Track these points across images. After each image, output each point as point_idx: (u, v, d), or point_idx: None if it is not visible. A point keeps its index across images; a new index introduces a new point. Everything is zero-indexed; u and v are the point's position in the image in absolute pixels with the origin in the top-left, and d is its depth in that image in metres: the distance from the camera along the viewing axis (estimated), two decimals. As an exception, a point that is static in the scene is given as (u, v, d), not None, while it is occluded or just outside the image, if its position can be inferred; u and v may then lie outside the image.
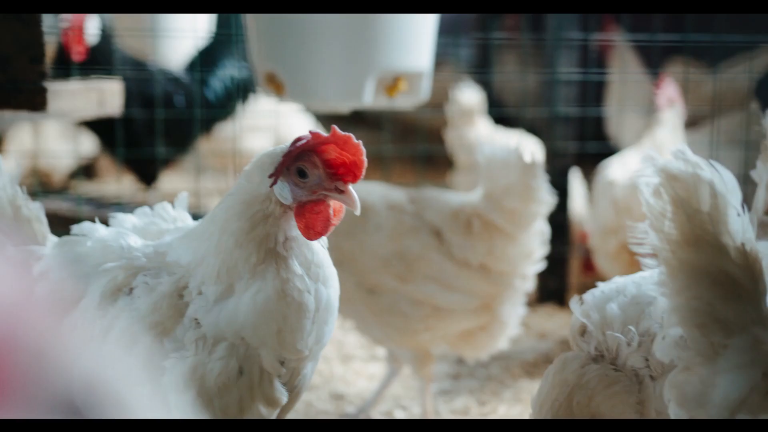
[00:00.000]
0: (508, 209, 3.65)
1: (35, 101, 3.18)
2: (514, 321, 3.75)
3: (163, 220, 2.60)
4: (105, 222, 2.61)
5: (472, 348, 3.77)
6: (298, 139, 2.21)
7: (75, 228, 2.56)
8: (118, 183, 6.36)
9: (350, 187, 2.19)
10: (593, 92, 6.08)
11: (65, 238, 2.54)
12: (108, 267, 2.40)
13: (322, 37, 3.70)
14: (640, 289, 2.23)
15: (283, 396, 2.30)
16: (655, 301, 2.17)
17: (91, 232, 2.54)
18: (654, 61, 5.97)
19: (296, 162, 2.20)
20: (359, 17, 3.68)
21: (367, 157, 2.19)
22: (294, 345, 2.25)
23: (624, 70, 6.69)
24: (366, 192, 3.78)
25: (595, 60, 5.58)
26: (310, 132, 2.21)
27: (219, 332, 2.24)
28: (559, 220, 5.26)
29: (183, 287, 2.31)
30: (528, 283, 3.77)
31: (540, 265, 3.77)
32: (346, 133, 2.18)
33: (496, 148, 3.80)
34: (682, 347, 1.95)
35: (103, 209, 5.13)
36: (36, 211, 2.62)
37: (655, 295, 2.16)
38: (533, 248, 3.72)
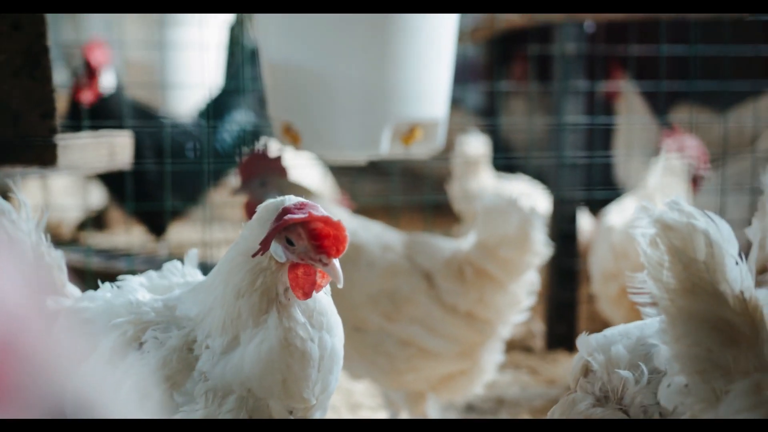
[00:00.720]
0: (503, 258, 3.67)
1: (45, 157, 3.21)
2: (491, 367, 3.78)
3: (173, 275, 2.63)
4: (114, 275, 2.64)
5: (450, 391, 3.80)
6: (285, 211, 2.24)
7: (80, 297, 2.60)
8: (127, 234, 6.39)
9: (334, 261, 2.20)
10: (600, 139, 6.11)
11: (71, 307, 2.58)
12: (117, 322, 2.42)
13: (338, 87, 3.74)
14: (643, 332, 2.22)
15: (292, 446, 2.30)
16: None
17: (96, 297, 2.58)
18: (660, 107, 6.00)
19: (283, 232, 2.23)
20: (375, 68, 3.73)
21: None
22: (300, 394, 2.25)
23: (631, 116, 6.72)
24: (363, 228, 3.81)
25: (602, 107, 5.61)
26: (297, 204, 2.24)
27: (226, 385, 2.25)
28: (568, 266, 5.26)
29: (192, 341, 2.33)
30: (508, 330, 3.79)
31: (524, 315, 3.80)
32: (325, 214, 2.21)
33: (497, 197, 3.83)
34: (686, 394, 1.97)
35: (112, 260, 5.16)
36: (58, 259, 2.67)
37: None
38: (521, 298, 3.75)
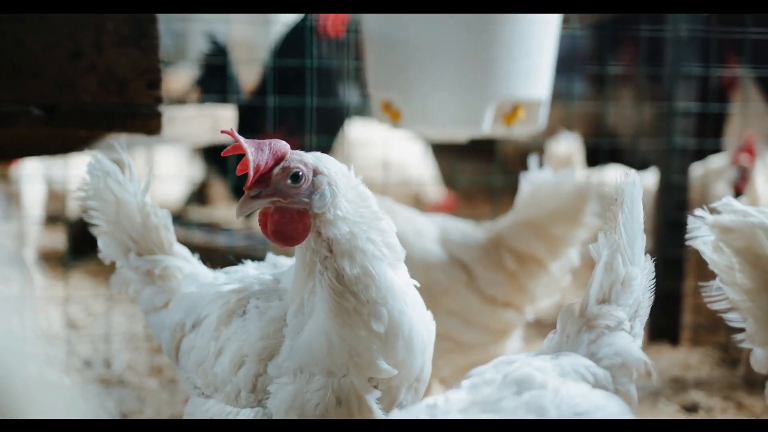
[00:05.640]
0: (551, 235, 3.59)
1: (150, 125, 3.24)
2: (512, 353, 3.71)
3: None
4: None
5: None
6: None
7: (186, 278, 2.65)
8: (229, 209, 6.44)
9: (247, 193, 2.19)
10: (712, 125, 5.89)
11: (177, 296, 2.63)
12: (223, 291, 2.46)
13: (442, 64, 3.69)
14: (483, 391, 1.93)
15: (383, 422, 2.27)
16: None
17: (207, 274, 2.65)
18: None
19: None
20: (480, 45, 3.66)
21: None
22: (373, 364, 2.23)
23: (745, 103, 6.48)
24: (392, 215, 3.75)
25: (715, 92, 5.41)
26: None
27: (306, 366, 2.24)
28: (675, 255, 5.10)
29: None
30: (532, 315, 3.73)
31: (554, 298, 3.69)
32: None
33: (547, 173, 3.75)
34: None
35: (213, 235, 5.21)
36: (164, 219, 2.73)
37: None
38: (560, 277, 3.66)
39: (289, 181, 2.18)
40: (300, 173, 2.18)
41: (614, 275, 2.10)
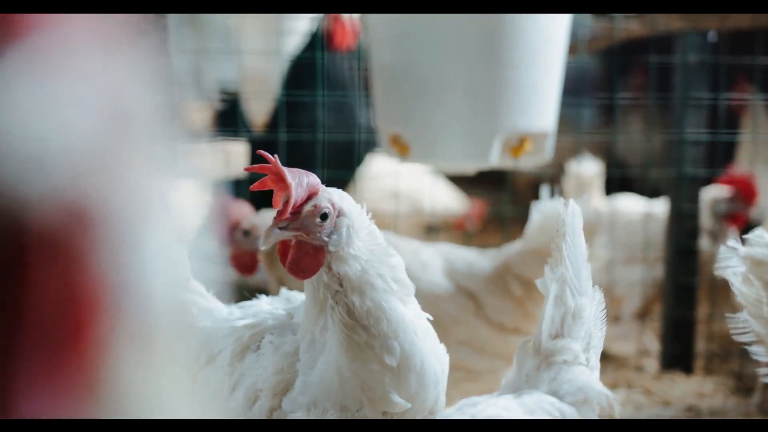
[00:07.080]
0: None
1: (163, 162, 3.27)
2: None
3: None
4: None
5: None
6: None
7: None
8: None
9: (275, 223, 2.19)
10: (722, 153, 5.89)
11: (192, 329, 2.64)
12: (237, 326, 2.47)
13: (449, 98, 3.72)
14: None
15: (398, 461, 2.27)
16: None
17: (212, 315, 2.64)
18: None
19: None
20: (487, 78, 3.69)
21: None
22: (386, 397, 2.23)
23: (756, 131, 6.48)
24: (396, 248, 3.75)
25: (724, 120, 5.41)
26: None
27: (319, 401, 2.25)
28: (686, 283, 5.10)
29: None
30: None
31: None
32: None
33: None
34: None
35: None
36: (181, 254, 2.72)
37: None
38: None
39: (317, 220, 2.20)
40: (328, 213, 2.21)
41: (564, 308, 2.10)
